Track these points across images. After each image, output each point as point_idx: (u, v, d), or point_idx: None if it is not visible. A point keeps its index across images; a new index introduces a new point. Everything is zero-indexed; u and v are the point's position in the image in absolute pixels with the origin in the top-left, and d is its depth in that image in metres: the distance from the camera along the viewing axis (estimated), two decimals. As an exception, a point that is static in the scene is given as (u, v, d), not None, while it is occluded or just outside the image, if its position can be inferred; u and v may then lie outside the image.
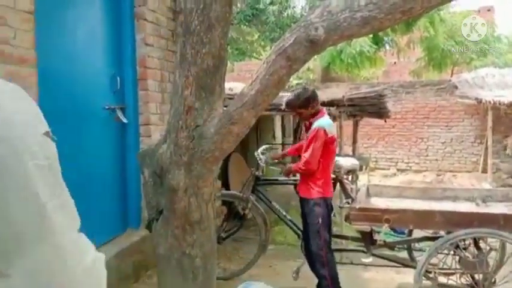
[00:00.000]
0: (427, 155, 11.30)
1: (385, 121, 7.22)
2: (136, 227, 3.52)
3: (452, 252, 3.00)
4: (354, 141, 7.27)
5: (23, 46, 2.35)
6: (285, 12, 12.01)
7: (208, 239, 2.29)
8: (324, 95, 4.81)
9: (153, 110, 3.63)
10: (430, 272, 3.00)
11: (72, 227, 1.15)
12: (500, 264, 3.19)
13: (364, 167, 6.12)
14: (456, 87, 10.09)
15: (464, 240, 2.95)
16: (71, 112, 2.86)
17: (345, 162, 3.90)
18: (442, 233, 3.14)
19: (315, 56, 3.63)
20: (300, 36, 1.86)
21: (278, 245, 4.61)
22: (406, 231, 3.85)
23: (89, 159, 3.06)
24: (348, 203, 3.38)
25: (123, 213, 3.52)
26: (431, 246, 3.00)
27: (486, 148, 9.95)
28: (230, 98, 3.19)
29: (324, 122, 3.10)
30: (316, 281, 3.17)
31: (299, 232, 3.56)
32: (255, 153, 3.73)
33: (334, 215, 3.23)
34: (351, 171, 4.18)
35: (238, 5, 11.52)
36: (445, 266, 3.04)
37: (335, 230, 3.74)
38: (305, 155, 3.07)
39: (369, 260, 3.31)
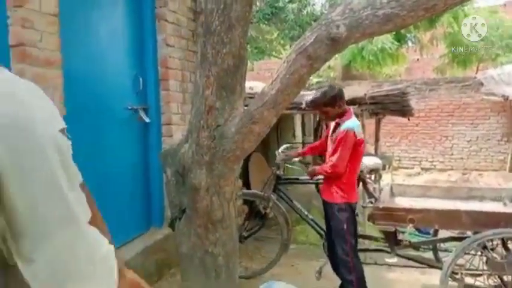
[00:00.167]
0: (452, 154, 11.05)
1: (409, 119, 7.09)
2: (159, 225, 3.57)
3: (479, 253, 2.93)
4: (376, 140, 7.15)
5: (49, 48, 2.40)
6: (304, 10, 11.94)
7: (230, 238, 2.30)
8: (345, 93, 4.75)
9: (175, 110, 3.67)
10: (456, 273, 2.94)
11: (87, 220, 1.21)
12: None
13: (387, 166, 6.04)
14: (482, 84, 9.83)
15: (492, 240, 2.88)
16: (95, 112, 2.91)
17: (368, 161, 3.84)
18: (468, 233, 3.07)
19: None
20: (321, 34, 1.84)
21: (300, 244, 4.58)
22: (431, 231, 3.78)
23: (113, 159, 3.12)
24: (371, 202, 3.33)
25: (147, 211, 3.57)
26: (457, 247, 2.94)
27: (514, 146, 9.68)
28: (250, 97, 3.19)
29: (352, 123, 2.96)
30: (339, 282, 3.14)
31: (321, 232, 3.53)
32: (276, 153, 3.72)
33: (357, 215, 3.19)
34: (374, 171, 4.12)
35: (258, 3, 11.52)
36: (472, 267, 2.98)
37: (358, 229, 3.70)
38: (332, 159, 2.94)
39: (393, 260, 3.27)
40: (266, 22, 12.25)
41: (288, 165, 4.54)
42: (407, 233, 3.07)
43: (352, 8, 1.81)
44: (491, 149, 10.58)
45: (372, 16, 1.77)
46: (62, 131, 1.18)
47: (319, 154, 4.48)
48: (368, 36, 1.94)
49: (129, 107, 3.32)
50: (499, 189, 4.11)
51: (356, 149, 2.94)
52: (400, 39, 12.29)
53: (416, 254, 3.49)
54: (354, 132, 2.91)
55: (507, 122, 10.25)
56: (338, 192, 2.98)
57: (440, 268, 2.99)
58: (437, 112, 11.13)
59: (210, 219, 2.21)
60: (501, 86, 9.33)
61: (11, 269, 0.98)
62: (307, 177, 3.67)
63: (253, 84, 5.24)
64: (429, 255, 3.64)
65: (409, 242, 3.28)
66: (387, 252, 3.29)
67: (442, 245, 3.57)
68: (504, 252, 2.87)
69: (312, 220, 3.65)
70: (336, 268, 3.18)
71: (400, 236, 3.25)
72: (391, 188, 3.67)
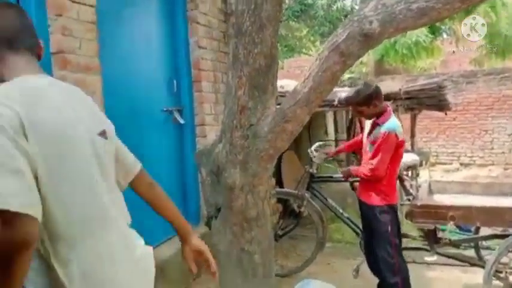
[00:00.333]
0: (492, 148, 10.62)
1: (446, 114, 6.87)
2: (196, 224, 3.63)
3: (524, 251, 2.82)
4: (412, 136, 6.98)
5: (88, 55, 2.50)
6: (334, 6, 11.81)
7: (265, 236, 2.32)
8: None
9: (208, 111, 3.72)
10: (500, 272, 2.84)
11: (124, 222, 1.25)
12: None
13: (424, 162, 5.89)
14: (523, 75, 9.41)
15: (537, 238, 2.76)
16: (132, 115, 3.00)
17: (405, 158, 3.74)
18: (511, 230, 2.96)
19: (368, 49, 3.50)
20: (354, 30, 1.82)
21: (335, 242, 4.55)
22: (472, 228, 3.67)
23: (150, 160, 3.18)
24: (409, 200, 3.25)
25: (183, 211, 3.62)
26: (501, 245, 2.84)
27: (559, 139, 9.20)
28: (282, 96, 3.19)
29: (393, 124, 2.79)
30: (376, 280, 3.09)
31: (358, 230, 3.48)
32: (309, 151, 3.70)
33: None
34: (411, 167, 4.03)
35: (287, 1, 11.48)
36: (517, 266, 2.87)
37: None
38: (372, 162, 2.78)
39: (433, 258, 3.19)
40: (295, 19, 12.20)
41: (324, 164, 4.50)
42: (448, 231, 2.98)
43: (384, 3, 1.78)
44: (535, 142, 10.11)
45: (405, 10, 1.74)
46: (101, 133, 1.22)
47: (354, 152, 4.42)
48: (402, 31, 1.90)
49: (165, 109, 3.40)
50: (544, 184, 3.92)
51: (397, 150, 2.80)
52: (434, 31, 11.92)
53: (457, 252, 3.40)
54: (396, 134, 2.77)
55: (551, 114, 9.77)
56: (378, 194, 2.86)
57: (483, 266, 2.90)
58: (476, 105, 10.73)
59: (245, 218, 2.23)
60: (544, 76, 8.89)
61: (52, 270, 1.03)
62: (341, 175, 3.64)
63: (284, 83, 5.23)
64: (470, 253, 3.53)
65: (449, 240, 3.18)
66: (426, 250, 3.22)
67: (483, 242, 3.45)
68: (552, 251, 2.76)
69: (347, 218, 3.61)
70: (372, 268, 3.13)
71: (439, 234, 3.16)
72: (430, 185, 3.58)
